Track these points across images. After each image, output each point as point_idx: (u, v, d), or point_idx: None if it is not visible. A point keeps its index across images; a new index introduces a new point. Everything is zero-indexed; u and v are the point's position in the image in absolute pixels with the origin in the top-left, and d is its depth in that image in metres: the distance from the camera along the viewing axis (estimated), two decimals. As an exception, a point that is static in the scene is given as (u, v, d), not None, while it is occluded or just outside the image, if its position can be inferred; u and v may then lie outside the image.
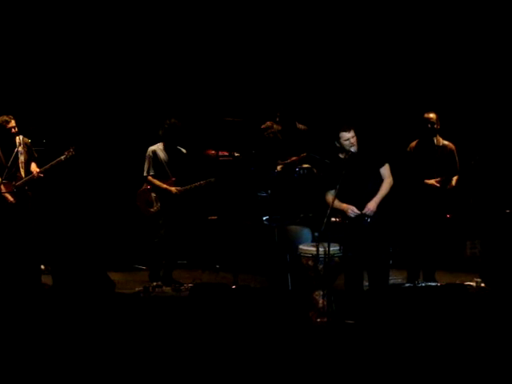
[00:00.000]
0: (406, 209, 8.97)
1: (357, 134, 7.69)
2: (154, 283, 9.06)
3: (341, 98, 10.43)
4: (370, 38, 10.45)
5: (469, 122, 10.15)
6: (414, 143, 9.06)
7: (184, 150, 9.29)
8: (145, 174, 9.23)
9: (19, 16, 10.44)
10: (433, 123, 8.89)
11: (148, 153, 9.24)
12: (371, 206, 7.62)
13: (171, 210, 9.19)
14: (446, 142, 9.01)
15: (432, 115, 8.90)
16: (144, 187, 9.28)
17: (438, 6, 10.21)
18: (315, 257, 7.61)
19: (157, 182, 9.20)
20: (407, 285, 8.83)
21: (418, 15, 10.27)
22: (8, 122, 8.84)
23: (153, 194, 9.23)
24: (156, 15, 10.60)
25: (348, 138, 7.66)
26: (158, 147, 9.25)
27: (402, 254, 9.16)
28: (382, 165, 7.78)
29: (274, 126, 9.50)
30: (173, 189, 9.17)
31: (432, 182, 8.89)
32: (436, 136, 8.97)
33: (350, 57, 10.50)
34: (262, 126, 9.54)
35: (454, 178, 8.92)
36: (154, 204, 9.23)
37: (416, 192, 8.94)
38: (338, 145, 7.74)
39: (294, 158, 9.26)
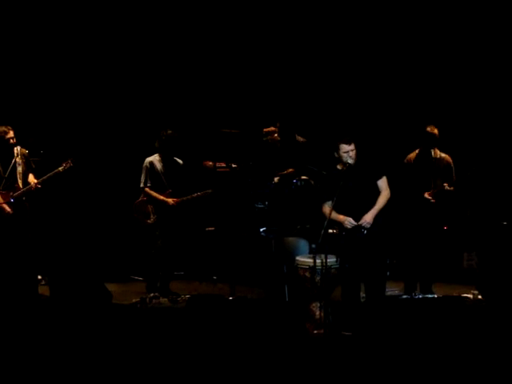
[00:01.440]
0: (403, 220, 8.97)
1: (357, 148, 7.70)
2: (151, 294, 9.05)
3: (339, 110, 10.45)
4: (369, 52, 10.47)
5: (466, 133, 10.17)
6: (411, 155, 9.08)
7: (181, 161, 9.30)
8: (142, 185, 9.23)
9: (17, 28, 10.47)
10: (435, 139, 8.91)
11: (145, 164, 9.24)
12: (368, 217, 7.62)
13: (168, 222, 9.19)
14: (443, 155, 9.03)
15: (436, 131, 8.90)
16: (141, 198, 9.28)
17: (436, 20, 10.24)
18: (312, 268, 7.61)
19: (154, 194, 9.20)
20: (404, 296, 8.82)
21: (416, 28, 10.29)
22: (6, 133, 8.83)
23: (150, 206, 9.22)
24: (153, 25, 10.62)
25: (347, 150, 7.64)
26: (155, 158, 9.25)
27: (399, 265, 9.17)
28: (380, 177, 7.78)
29: (276, 134, 9.49)
30: (170, 200, 9.17)
31: (426, 195, 8.89)
32: (434, 148, 8.99)
33: (349, 69, 10.52)
34: (265, 130, 9.54)
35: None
36: (151, 215, 9.22)
37: (413, 204, 8.95)
38: (336, 155, 7.74)
39: (290, 170, 9.27)
